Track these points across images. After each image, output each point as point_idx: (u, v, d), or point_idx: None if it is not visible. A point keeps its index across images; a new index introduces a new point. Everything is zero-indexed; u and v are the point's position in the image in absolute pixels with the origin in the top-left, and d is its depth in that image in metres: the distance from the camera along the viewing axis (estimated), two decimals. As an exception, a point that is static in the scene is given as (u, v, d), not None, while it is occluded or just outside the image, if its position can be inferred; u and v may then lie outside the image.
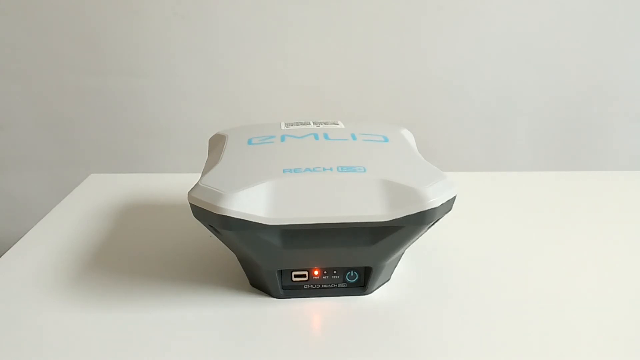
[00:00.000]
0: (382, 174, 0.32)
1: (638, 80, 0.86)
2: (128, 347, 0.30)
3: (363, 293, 0.35)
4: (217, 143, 0.39)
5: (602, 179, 0.57)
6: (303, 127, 0.40)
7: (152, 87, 0.82)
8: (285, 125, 0.40)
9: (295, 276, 0.34)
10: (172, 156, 0.86)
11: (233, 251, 0.35)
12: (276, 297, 0.34)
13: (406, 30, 0.81)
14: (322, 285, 0.34)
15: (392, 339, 0.31)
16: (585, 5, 0.81)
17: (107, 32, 0.79)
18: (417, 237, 0.32)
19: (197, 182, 0.32)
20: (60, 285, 0.36)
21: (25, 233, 0.43)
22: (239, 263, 0.36)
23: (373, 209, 0.30)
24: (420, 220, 0.31)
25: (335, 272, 0.34)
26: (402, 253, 0.36)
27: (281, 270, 0.34)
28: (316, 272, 0.34)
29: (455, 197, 0.33)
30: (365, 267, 0.34)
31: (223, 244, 0.34)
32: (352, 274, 0.34)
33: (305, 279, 0.34)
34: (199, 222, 0.32)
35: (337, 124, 0.41)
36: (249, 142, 0.37)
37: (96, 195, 0.51)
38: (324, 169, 0.32)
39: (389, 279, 0.37)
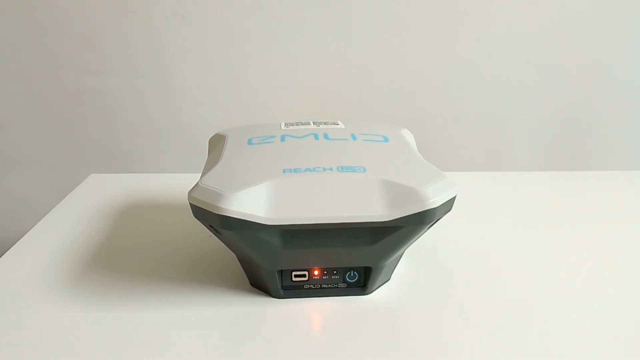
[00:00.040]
0: (382, 174, 0.32)
1: (638, 80, 0.86)
2: (128, 347, 0.30)
3: (363, 293, 0.35)
4: (217, 143, 0.39)
5: (602, 179, 0.57)
6: (303, 127, 0.40)
7: (152, 87, 0.82)
8: (285, 125, 0.40)
9: (295, 276, 0.34)
10: (172, 156, 0.86)
11: (233, 251, 0.35)
12: (276, 297, 0.34)
13: (406, 30, 0.81)
14: (322, 285, 0.34)
15: (392, 339, 0.31)
16: (585, 5, 0.81)
17: (107, 32, 0.79)
18: (417, 237, 0.32)
19: (197, 182, 0.32)
20: (60, 285, 0.36)
21: (25, 233, 0.43)
22: (239, 263, 0.36)
23: (373, 209, 0.30)
24: (420, 220, 0.31)
25: (335, 272, 0.34)
26: (402, 253, 0.36)
27: (281, 270, 0.34)
28: (316, 272, 0.34)
29: (455, 197, 0.33)
30: (365, 267, 0.34)
31: (223, 244, 0.34)
32: (352, 274, 0.34)
33: (305, 279, 0.34)
34: (199, 222, 0.32)
35: (337, 124, 0.41)
36: (249, 142, 0.37)
37: (96, 195, 0.51)
38: (324, 169, 0.32)
39: (389, 279, 0.37)
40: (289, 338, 0.31)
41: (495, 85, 0.85)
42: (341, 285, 0.35)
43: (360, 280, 0.35)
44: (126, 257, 0.40)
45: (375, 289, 0.35)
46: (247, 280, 0.36)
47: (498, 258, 0.40)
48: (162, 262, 0.39)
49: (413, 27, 0.81)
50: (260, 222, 0.30)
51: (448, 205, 0.32)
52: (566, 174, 0.60)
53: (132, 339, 0.30)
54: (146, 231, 0.44)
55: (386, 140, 0.38)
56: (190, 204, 0.31)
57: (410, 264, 0.39)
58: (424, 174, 0.33)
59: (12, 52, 0.79)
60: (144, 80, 0.82)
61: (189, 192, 0.32)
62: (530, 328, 0.32)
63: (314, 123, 0.41)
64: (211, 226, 0.31)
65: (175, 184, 0.54)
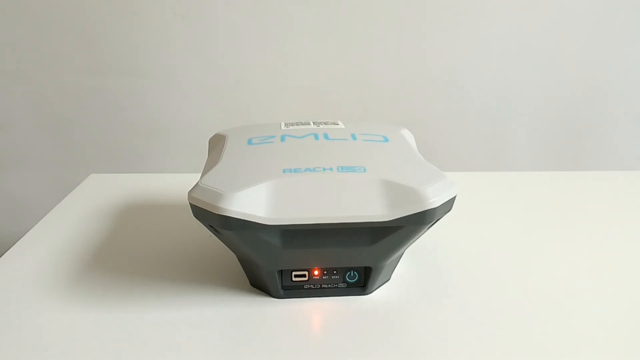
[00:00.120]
0: (382, 174, 0.32)
1: (638, 80, 0.86)
2: (128, 347, 0.30)
3: (363, 293, 0.35)
4: (217, 143, 0.39)
5: (602, 179, 0.57)
6: (303, 127, 0.40)
7: (152, 87, 0.82)
8: (285, 125, 0.40)
9: (295, 276, 0.34)
10: (172, 156, 0.86)
11: (233, 251, 0.35)
12: (276, 297, 0.34)
13: (406, 30, 0.81)
14: (322, 285, 0.34)
15: (392, 339, 0.31)
16: (585, 5, 0.81)
17: (107, 32, 0.79)
18: (417, 237, 0.32)
19: (197, 182, 0.32)
20: (60, 285, 0.36)
21: (25, 233, 0.43)
22: (239, 263, 0.36)
23: (373, 209, 0.30)
24: (420, 220, 0.31)
25: (335, 272, 0.34)
26: (402, 253, 0.36)
27: (281, 270, 0.34)
28: (316, 272, 0.34)
29: (455, 197, 0.33)
30: (365, 267, 0.34)
31: (223, 244, 0.34)
32: (352, 274, 0.34)
33: (305, 279, 0.34)
34: (199, 222, 0.32)
35: (337, 124, 0.41)
36: (249, 142, 0.37)
37: (96, 195, 0.51)
38: (324, 169, 0.32)
39: (389, 279, 0.37)
40: (289, 338, 0.31)
41: (495, 85, 0.85)
42: (341, 285, 0.35)
43: (360, 280, 0.35)
44: (126, 257, 0.40)
45: (375, 289, 0.35)
46: (247, 280, 0.36)
47: (498, 258, 0.40)
48: (162, 262, 0.39)
49: (413, 27, 0.81)
50: (260, 222, 0.30)
51: (448, 205, 0.32)
52: (566, 174, 0.60)
53: (132, 339, 0.30)
54: (146, 231, 0.44)
55: (386, 140, 0.38)
56: (190, 204, 0.31)
57: (410, 264, 0.39)
58: (424, 174, 0.33)
59: (12, 52, 0.79)
60: (144, 80, 0.82)
61: (189, 192, 0.32)
62: (531, 328, 0.32)
63: (314, 123, 0.41)
64: (211, 226, 0.31)
65: (175, 184, 0.54)
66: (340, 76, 0.83)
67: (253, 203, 0.30)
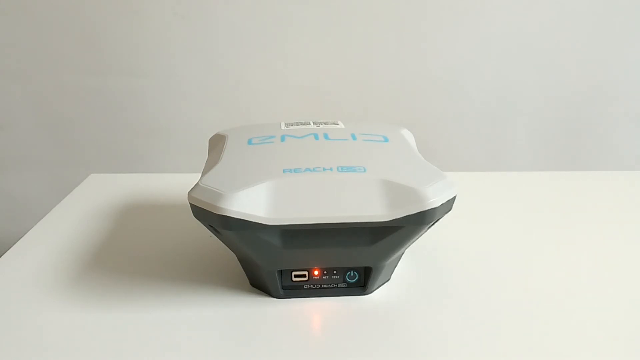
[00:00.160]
0: (382, 174, 0.32)
1: (638, 80, 0.86)
2: (128, 347, 0.30)
3: (363, 293, 0.35)
4: (217, 143, 0.39)
5: (602, 179, 0.57)
6: (303, 127, 0.40)
7: (152, 87, 0.82)
8: (285, 125, 0.40)
9: (295, 276, 0.34)
10: (172, 156, 0.86)
11: (233, 251, 0.35)
12: (276, 297, 0.34)
13: (406, 30, 0.81)
14: (322, 285, 0.34)
15: (392, 339, 0.31)
16: (585, 5, 0.81)
17: (107, 32, 0.79)
18: (417, 237, 0.32)
19: (197, 182, 0.32)
20: (60, 285, 0.36)
21: (25, 233, 0.43)
22: (239, 263, 0.36)
23: (373, 209, 0.30)
24: (420, 220, 0.31)
25: (335, 272, 0.34)
26: (402, 253, 0.36)
27: (281, 270, 0.34)
28: (316, 272, 0.34)
29: (455, 197, 0.33)
30: (365, 267, 0.34)
31: (223, 244, 0.34)
32: (352, 274, 0.34)
33: (305, 279, 0.34)
34: (199, 222, 0.32)
35: (337, 124, 0.41)
36: (249, 142, 0.37)
37: (96, 195, 0.51)
38: (324, 169, 0.32)
39: (389, 279, 0.37)
40: (289, 338, 0.31)
41: (495, 85, 0.85)
42: (341, 285, 0.35)
43: (360, 280, 0.35)
44: (126, 257, 0.40)
45: (375, 289, 0.35)
46: (247, 280, 0.36)
47: (498, 258, 0.40)
48: (162, 262, 0.39)
49: (413, 27, 0.81)
50: (260, 222, 0.30)
51: (448, 205, 0.32)
52: (566, 174, 0.60)
53: (132, 339, 0.30)
54: (146, 231, 0.44)
55: (386, 140, 0.38)
56: (190, 204, 0.31)
57: (410, 264, 0.39)
58: (424, 174, 0.33)
59: (12, 52, 0.79)
60: (144, 80, 0.82)
61: (189, 192, 0.32)
62: (531, 328, 0.32)
63: (314, 123, 0.41)
64: (211, 226, 0.31)
65: (175, 184, 0.54)
66: (340, 76, 0.83)
67: (253, 203, 0.30)
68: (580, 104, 0.87)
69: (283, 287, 0.34)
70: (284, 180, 0.31)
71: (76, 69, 0.80)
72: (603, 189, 0.54)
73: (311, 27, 0.80)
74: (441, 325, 0.32)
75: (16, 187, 0.87)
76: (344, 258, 0.33)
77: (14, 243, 0.41)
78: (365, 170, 0.32)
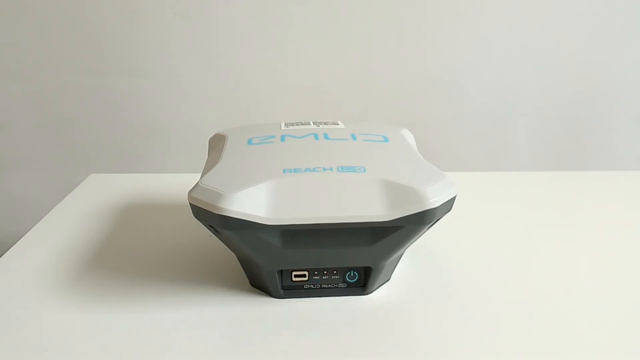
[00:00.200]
0: (382, 174, 0.32)
1: (638, 80, 0.86)
2: (128, 347, 0.30)
3: (363, 293, 0.35)
4: (217, 143, 0.39)
5: (602, 179, 0.57)
6: (303, 127, 0.40)
7: (152, 87, 0.82)
8: (285, 125, 0.40)
9: (295, 276, 0.34)
10: (172, 156, 0.86)
11: (233, 251, 0.35)
12: (276, 297, 0.34)
13: (406, 30, 0.81)
14: (322, 285, 0.34)
15: (392, 339, 0.31)
16: (585, 5, 0.81)
17: (107, 32, 0.79)
18: (417, 237, 0.32)
19: (197, 182, 0.32)
20: (60, 285, 0.36)
21: (25, 233, 0.43)
22: (239, 263, 0.36)
23: (373, 209, 0.30)
24: (420, 220, 0.31)
25: (335, 272, 0.34)
26: (402, 253, 0.36)
27: (281, 270, 0.34)
28: (316, 272, 0.34)
29: (455, 197, 0.33)
30: (365, 267, 0.34)
31: (223, 244, 0.34)
32: (352, 274, 0.34)
33: (305, 279, 0.34)
34: (199, 222, 0.32)
35: (337, 124, 0.41)
36: (249, 142, 0.37)
37: (96, 195, 0.52)
38: (324, 169, 0.32)
39: (389, 279, 0.37)
40: (289, 338, 0.31)
41: (495, 85, 0.85)
42: (341, 285, 0.35)
43: (360, 280, 0.35)
44: (126, 257, 0.40)
45: (375, 289, 0.35)
46: (247, 280, 0.36)
47: (498, 258, 0.40)
48: (162, 262, 0.39)
49: (413, 27, 0.81)
50: (260, 222, 0.30)
51: (448, 205, 0.32)
52: (566, 174, 0.60)
53: (132, 339, 0.30)
54: (146, 231, 0.44)
55: (386, 140, 0.38)
56: (190, 204, 0.31)
57: (410, 264, 0.39)
58: (424, 174, 0.33)
59: (12, 52, 0.79)
60: (144, 80, 0.82)
61: (189, 192, 0.32)
62: (531, 328, 0.32)
63: (314, 123, 0.41)
64: (211, 226, 0.31)
65: (175, 184, 0.54)
66: (340, 76, 0.83)
67: (253, 203, 0.30)
68: (580, 104, 0.87)
69: (283, 287, 0.34)
70: (284, 180, 0.31)
71: (76, 69, 0.80)
72: (603, 189, 0.54)
73: (311, 27, 0.80)
74: (441, 325, 0.32)
75: (16, 187, 0.87)
76: (344, 258, 0.33)
77: (14, 243, 0.41)
78: (365, 170, 0.32)
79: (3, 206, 0.88)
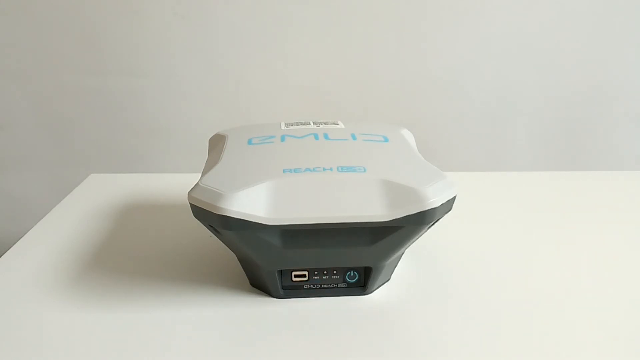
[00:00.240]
0: (382, 174, 0.32)
1: (638, 80, 0.86)
2: (128, 347, 0.30)
3: (363, 293, 0.35)
4: (217, 143, 0.39)
5: (602, 179, 0.57)
6: (303, 127, 0.40)
7: (152, 87, 0.82)
8: (285, 125, 0.40)
9: (295, 276, 0.34)
10: (172, 156, 0.86)
11: (233, 251, 0.35)
12: (276, 297, 0.34)
13: (406, 30, 0.81)
14: (322, 285, 0.34)
15: (392, 339, 0.31)
16: (585, 5, 0.81)
17: (107, 32, 0.79)
18: (417, 237, 0.32)
19: (197, 182, 0.32)
20: (60, 285, 0.36)
21: (25, 233, 0.43)
22: (239, 263, 0.36)
23: (373, 209, 0.30)
24: (420, 220, 0.31)
25: (335, 272, 0.34)
26: (402, 253, 0.36)
27: (281, 270, 0.34)
28: (316, 272, 0.34)
29: (455, 197, 0.33)
30: (365, 267, 0.34)
31: (223, 244, 0.34)
32: (352, 274, 0.34)
33: (305, 279, 0.34)
34: (199, 222, 0.32)
35: (337, 124, 0.41)
36: (249, 142, 0.37)
37: (96, 195, 0.52)
38: (324, 169, 0.32)
39: (389, 279, 0.37)
40: (289, 338, 0.31)
41: (495, 85, 0.85)
42: (341, 285, 0.35)
43: (360, 280, 0.35)
44: (126, 257, 0.40)
45: (375, 289, 0.35)
46: (247, 280, 0.36)
47: (498, 258, 0.40)
48: (162, 262, 0.39)
49: (413, 27, 0.81)
50: (260, 222, 0.30)
51: (448, 205, 0.32)
52: (566, 174, 0.60)
53: (132, 339, 0.30)
54: (146, 231, 0.44)
55: (386, 140, 0.38)
56: (190, 204, 0.31)
57: (410, 264, 0.39)
58: (424, 174, 0.33)
59: (12, 52, 0.79)
60: (144, 80, 0.82)
61: (189, 192, 0.32)
62: (531, 328, 0.32)
63: (314, 123, 0.41)
64: (211, 226, 0.31)
65: (175, 184, 0.54)
66: (340, 76, 0.83)
67: (253, 203, 0.30)
68: (580, 104, 0.87)
69: (283, 287, 0.34)
70: (284, 180, 0.31)
71: (76, 69, 0.80)
72: (603, 189, 0.54)
73: (311, 27, 0.80)
74: (441, 325, 0.32)
75: (16, 187, 0.87)
76: (344, 258, 0.33)
77: (14, 243, 0.41)
78: (365, 170, 0.32)
79: (3, 206, 0.88)
